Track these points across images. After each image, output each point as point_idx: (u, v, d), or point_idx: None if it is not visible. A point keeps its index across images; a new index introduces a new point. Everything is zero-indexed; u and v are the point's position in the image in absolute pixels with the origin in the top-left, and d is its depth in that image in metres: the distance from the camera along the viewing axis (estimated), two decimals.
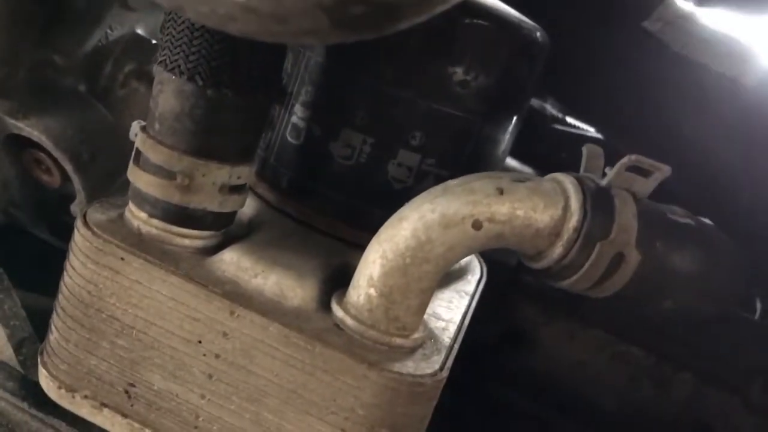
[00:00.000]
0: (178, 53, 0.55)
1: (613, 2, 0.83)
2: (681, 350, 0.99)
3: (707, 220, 0.76)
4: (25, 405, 0.69)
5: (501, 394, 1.05)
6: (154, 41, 0.85)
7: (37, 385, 0.64)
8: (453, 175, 0.62)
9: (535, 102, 1.13)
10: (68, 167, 0.74)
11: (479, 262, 0.83)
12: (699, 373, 0.98)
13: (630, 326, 0.99)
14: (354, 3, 0.32)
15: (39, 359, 0.63)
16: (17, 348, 0.71)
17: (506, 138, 0.72)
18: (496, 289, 0.86)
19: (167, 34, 0.56)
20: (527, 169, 1.17)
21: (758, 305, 0.97)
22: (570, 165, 0.67)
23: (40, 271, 0.74)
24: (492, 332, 1.01)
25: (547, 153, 1.13)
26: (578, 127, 1.15)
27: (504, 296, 1.00)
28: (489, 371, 1.02)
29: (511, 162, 1.16)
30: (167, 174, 0.58)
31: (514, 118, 0.71)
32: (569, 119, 1.16)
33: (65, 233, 0.63)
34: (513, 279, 1.00)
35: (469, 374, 0.87)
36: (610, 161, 0.65)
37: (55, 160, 0.75)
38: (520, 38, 0.67)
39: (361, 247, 0.60)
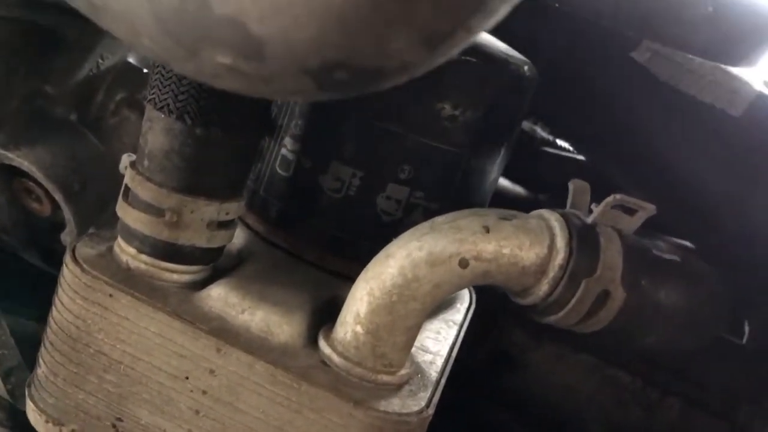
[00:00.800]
0: (167, 93, 0.56)
1: (601, 32, 0.84)
2: (668, 375, 0.99)
3: (691, 246, 0.77)
4: None
5: (490, 417, 1.05)
6: (145, 70, 0.85)
7: (24, 414, 0.64)
8: (442, 207, 0.62)
9: (525, 124, 1.14)
10: (59, 197, 0.74)
11: (469, 290, 0.84)
12: (686, 398, 0.99)
13: (618, 351, 1.00)
14: (338, 68, 0.33)
15: (26, 392, 0.63)
16: (5, 377, 0.71)
17: (495, 169, 0.73)
18: (485, 314, 0.87)
19: (156, 73, 0.56)
20: (519, 189, 1.18)
21: (746, 329, 0.98)
22: (560, 185, 0.68)
23: (30, 297, 0.74)
24: (481, 356, 1.02)
25: (538, 174, 1.13)
26: (569, 150, 1.15)
27: (493, 320, 1.01)
28: (477, 395, 1.03)
29: (503, 182, 1.16)
30: (156, 211, 0.58)
31: (502, 149, 0.72)
32: (559, 141, 1.16)
33: (56, 260, 0.63)
34: (502, 303, 1.00)
35: (457, 397, 0.87)
36: (599, 188, 0.66)
37: (45, 190, 0.75)
38: (507, 73, 0.68)
39: (349, 278, 0.60)
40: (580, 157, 1.11)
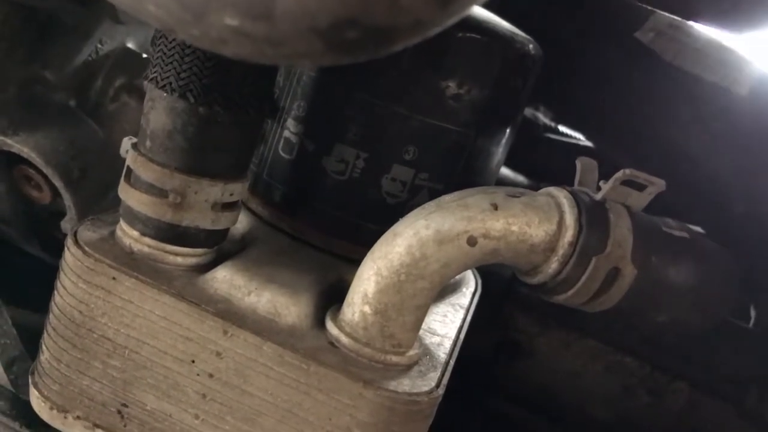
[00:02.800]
0: (170, 70, 0.55)
1: (605, 13, 0.83)
2: (675, 360, 0.99)
3: (700, 230, 0.76)
4: (17, 425, 0.68)
5: (496, 404, 1.04)
6: (144, 55, 0.84)
7: (28, 404, 0.63)
8: (447, 189, 0.61)
9: (527, 111, 1.13)
10: (58, 184, 0.73)
11: (474, 274, 0.83)
12: (694, 382, 0.98)
13: (624, 336, 0.99)
14: (348, 27, 0.32)
15: (30, 379, 0.62)
16: (8, 367, 0.70)
17: (500, 150, 0.72)
18: (491, 300, 0.86)
19: (158, 51, 0.56)
20: (520, 177, 1.17)
21: (753, 313, 0.97)
22: (563, 173, 0.67)
23: (31, 288, 0.74)
24: (487, 343, 1.01)
25: (540, 162, 1.13)
26: (571, 136, 1.15)
27: (499, 307, 1.00)
28: (484, 382, 1.02)
29: (503, 170, 1.15)
30: (159, 192, 0.57)
31: (508, 130, 0.71)
32: (562, 128, 1.15)
33: (57, 249, 0.62)
34: (508, 290, 1.00)
35: (464, 385, 0.86)
36: (604, 171, 0.65)
37: (45, 177, 0.74)
38: (512, 51, 0.67)
39: (355, 262, 0.59)
40: (584, 143, 1.10)
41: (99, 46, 0.80)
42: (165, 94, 0.55)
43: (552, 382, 1.01)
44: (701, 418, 0.98)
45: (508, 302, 1.00)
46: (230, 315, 0.57)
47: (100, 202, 0.75)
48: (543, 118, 1.15)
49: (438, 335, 0.66)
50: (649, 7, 0.79)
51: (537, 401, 1.02)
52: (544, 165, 1.12)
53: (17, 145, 0.71)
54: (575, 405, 1.01)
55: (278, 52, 0.35)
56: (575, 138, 1.14)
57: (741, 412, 0.96)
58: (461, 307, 0.74)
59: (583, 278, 0.59)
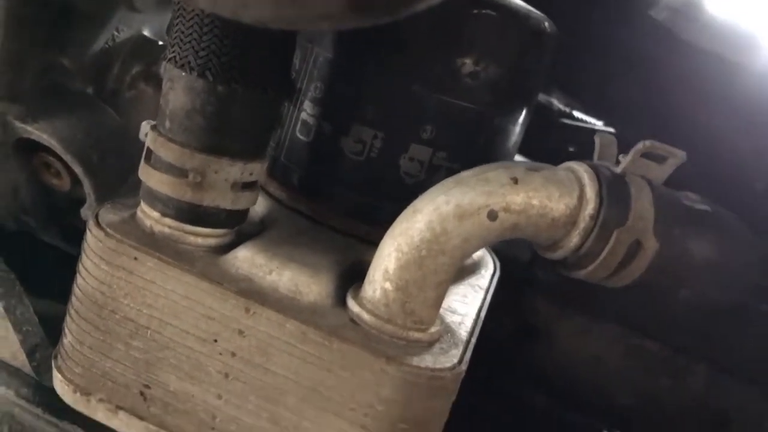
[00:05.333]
0: (188, 49, 0.55)
1: None
2: (696, 342, 0.98)
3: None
4: (39, 411, 0.68)
5: (516, 389, 1.04)
6: (161, 42, 0.85)
7: (51, 391, 0.63)
8: (464, 169, 0.61)
9: (541, 96, 1.13)
10: (78, 170, 0.73)
11: (492, 257, 0.83)
12: (715, 365, 0.97)
13: (644, 319, 0.98)
14: None
15: (53, 363, 0.62)
16: (30, 354, 0.71)
17: (517, 130, 0.72)
18: (510, 285, 0.86)
19: (176, 30, 0.56)
20: None
21: None
22: (578, 159, 0.67)
23: (52, 277, 0.74)
24: (506, 328, 1.01)
25: (555, 147, 1.12)
26: (585, 121, 1.14)
27: (518, 292, 1.00)
28: (504, 367, 1.02)
29: (518, 158, 1.15)
30: (179, 172, 0.58)
31: (525, 109, 0.71)
32: (576, 113, 1.15)
33: (76, 238, 0.62)
34: (527, 275, 0.99)
35: (483, 370, 0.86)
36: (620, 153, 0.65)
37: (64, 164, 0.75)
38: (529, 28, 0.67)
39: (373, 243, 0.59)
40: (599, 128, 1.09)
41: (116, 33, 0.80)
42: (184, 74, 0.56)
43: (572, 367, 1.00)
44: (722, 401, 0.97)
45: (526, 287, 1.00)
46: (252, 293, 0.57)
47: (118, 189, 0.76)
48: (557, 104, 1.15)
49: (459, 314, 0.65)
50: None
51: (557, 386, 1.02)
52: (559, 151, 1.12)
53: (36, 132, 0.72)
54: (595, 389, 1.00)
55: (298, 14, 0.35)
56: (590, 123, 1.14)
57: (764, 393, 0.95)
58: (480, 287, 0.74)
59: (605, 252, 0.58)
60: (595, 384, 1.00)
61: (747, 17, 0.85)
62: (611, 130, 1.04)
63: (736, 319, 0.94)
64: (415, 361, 0.55)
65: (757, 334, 0.97)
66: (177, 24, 0.55)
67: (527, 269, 0.98)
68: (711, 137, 0.85)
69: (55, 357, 0.63)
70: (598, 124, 1.13)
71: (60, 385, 0.62)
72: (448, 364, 0.57)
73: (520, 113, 0.71)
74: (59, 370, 0.62)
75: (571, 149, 1.09)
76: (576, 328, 1.00)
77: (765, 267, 0.72)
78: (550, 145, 1.12)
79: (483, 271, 0.79)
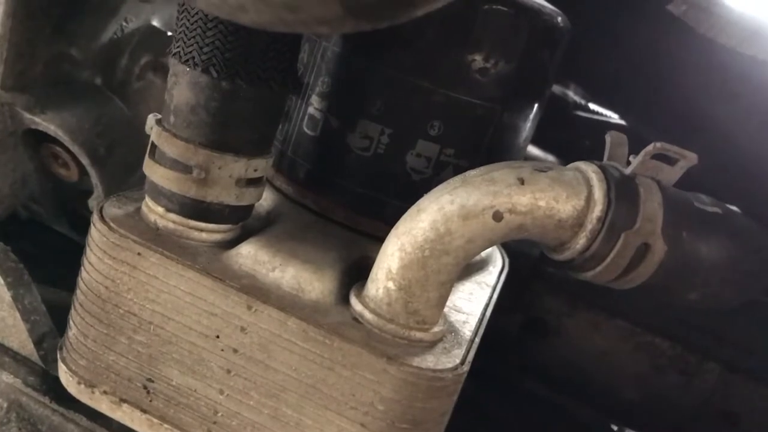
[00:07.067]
0: (192, 45, 0.54)
1: None
2: (706, 340, 0.97)
3: (735, 208, 0.74)
4: (46, 400, 0.69)
5: (525, 384, 1.04)
6: (169, 33, 0.84)
7: (59, 380, 0.64)
8: (472, 166, 0.60)
9: (557, 88, 1.11)
10: (85, 161, 0.73)
11: (501, 253, 0.82)
12: (726, 362, 0.96)
13: (654, 316, 0.97)
14: None
15: (58, 355, 0.63)
16: (38, 343, 0.71)
17: (527, 126, 0.71)
18: (519, 280, 0.85)
19: (181, 26, 0.55)
20: (550, 157, 1.16)
21: None
22: (593, 152, 0.66)
23: (60, 266, 0.74)
24: (515, 323, 1.00)
25: (570, 140, 1.11)
26: (601, 114, 1.13)
27: (527, 287, 0.99)
28: (512, 362, 1.01)
29: (533, 150, 1.14)
30: (183, 167, 0.57)
31: (536, 105, 0.70)
32: (592, 106, 1.13)
33: (85, 228, 0.62)
34: (536, 270, 0.98)
35: (492, 365, 0.86)
36: (635, 148, 0.64)
37: (72, 155, 0.75)
38: (540, 23, 0.65)
39: (379, 239, 0.59)
40: (615, 121, 1.08)
41: (124, 24, 0.80)
42: (188, 69, 0.55)
43: (581, 362, 1.00)
44: (732, 399, 0.96)
45: (536, 282, 0.99)
46: (254, 290, 0.57)
47: (126, 180, 0.76)
48: (573, 96, 1.13)
49: (463, 313, 0.65)
50: None
51: (565, 381, 1.01)
52: (573, 143, 1.11)
53: (44, 123, 0.72)
54: (604, 385, 1.00)
55: (296, 18, 0.34)
56: (606, 116, 1.12)
57: None
58: (487, 285, 0.73)
59: (612, 254, 0.57)
60: (603, 379, 1.00)
61: (766, 12, 0.83)
62: (624, 123, 1.03)
63: (748, 316, 0.93)
64: (417, 361, 0.55)
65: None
66: (181, 19, 0.55)
67: (536, 264, 0.98)
68: (727, 134, 0.83)
69: (61, 348, 0.63)
70: (614, 116, 1.12)
71: (64, 377, 0.62)
72: (450, 365, 0.56)
73: (531, 110, 0.70)
74: (64, 362, 0.62)
75: (587, 142, 1.07)
76: (585, 323, 0.99)
77: None
78: (565, 137, 1.11)
79: (491, 268, 0.78)
